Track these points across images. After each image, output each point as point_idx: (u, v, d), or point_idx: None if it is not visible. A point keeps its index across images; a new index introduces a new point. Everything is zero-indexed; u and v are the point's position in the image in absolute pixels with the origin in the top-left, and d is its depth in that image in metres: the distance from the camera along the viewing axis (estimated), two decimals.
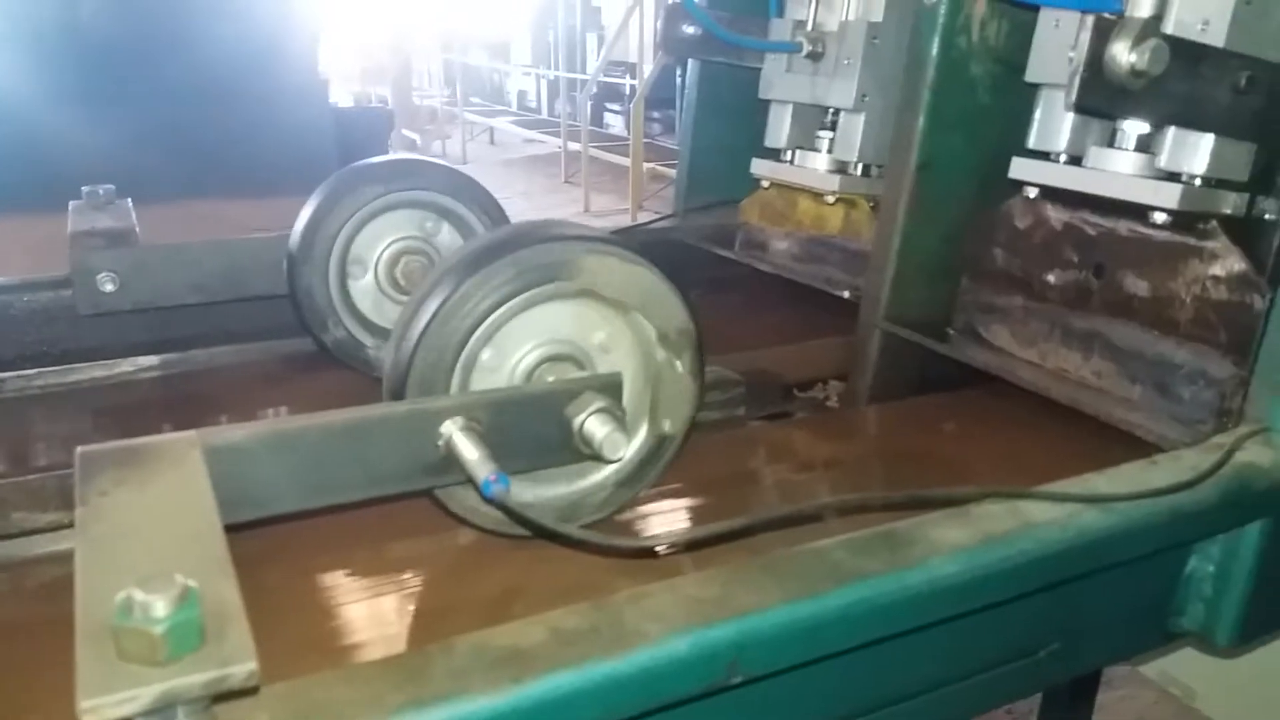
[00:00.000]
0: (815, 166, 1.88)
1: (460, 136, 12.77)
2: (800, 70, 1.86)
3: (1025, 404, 1.49)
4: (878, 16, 1.74)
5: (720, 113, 2.23)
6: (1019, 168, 1.48)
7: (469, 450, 0.96)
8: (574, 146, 10.90)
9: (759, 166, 1.98)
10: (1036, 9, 1.47)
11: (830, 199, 1.84)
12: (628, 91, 11.69)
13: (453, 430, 0.98)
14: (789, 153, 1.94)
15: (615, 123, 13.30)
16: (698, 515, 1.26)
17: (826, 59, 1.81)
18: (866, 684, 0.97)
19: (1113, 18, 1.22)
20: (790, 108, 1.91)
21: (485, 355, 1.06)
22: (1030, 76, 1.46)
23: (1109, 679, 2.59)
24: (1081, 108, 1.24)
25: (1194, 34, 1.21)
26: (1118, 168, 1.35)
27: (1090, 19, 1.12)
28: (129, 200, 1.74)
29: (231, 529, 0.84)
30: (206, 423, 1.54)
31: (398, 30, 13.50)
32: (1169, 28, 1.20)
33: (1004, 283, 1.56)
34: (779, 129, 1.93)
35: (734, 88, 2.15)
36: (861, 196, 1.83)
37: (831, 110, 1.86)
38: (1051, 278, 1.48)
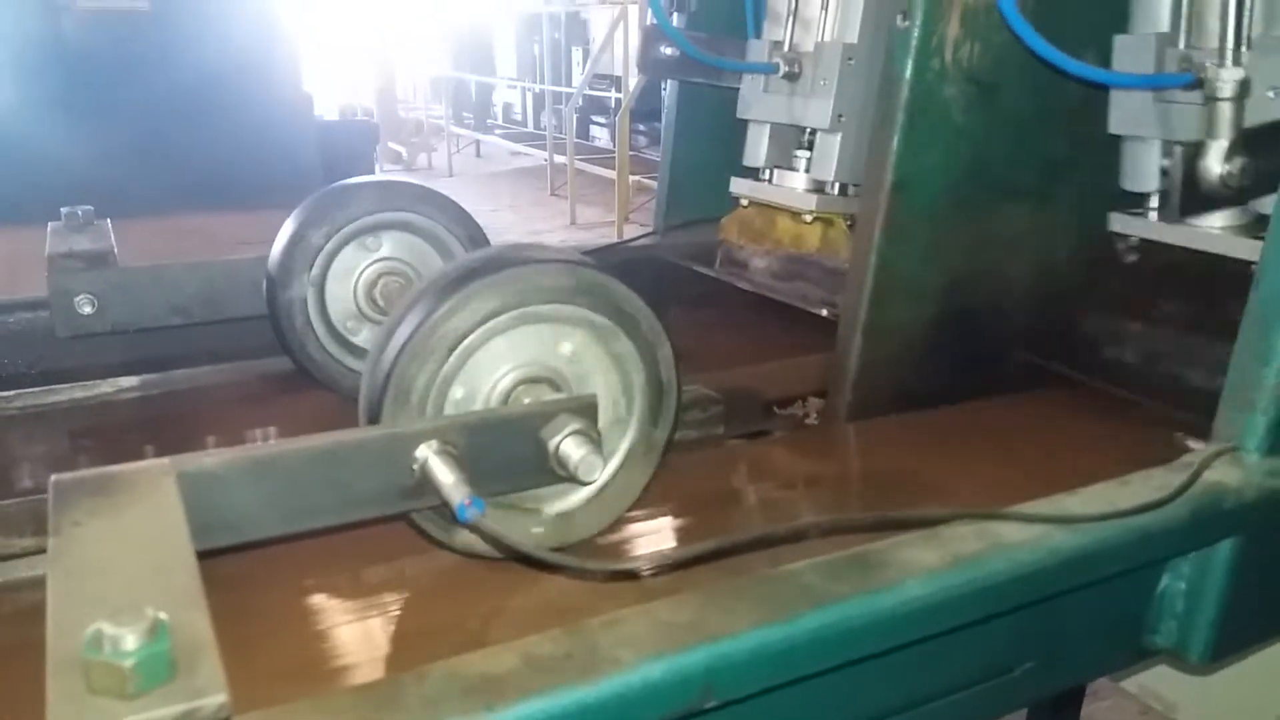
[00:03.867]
0: (793, 186, 1.89)
1: (446, 149, 12.78)
2: (777, 91, 1.88)
3: (1002, 423, 1.51)
4: (853, 38, 1.76)
5: (700, 131, 2.24)
6: (1117, 222, 1.54)
7: (444, 474, 0.96)
8: (560, 159, 10.93)
9: (738, 185, 2.00)
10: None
11: (808, 217, 1.85)
12: (613, 104, 11.72)
13: (428, 454, 0.98)
14: (767, 172, 1.95)
15: (601, 135, 13.32)
16: (678, 534, 1.27)
17: (803, 80, 1.83)
18: (840, 705, 0.97)
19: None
20: (768, 127, 1.93)
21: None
22: (1114, 129, 1.51)
23: (1094, 689, 2.61)
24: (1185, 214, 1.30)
25: (1266, 103, 1.25)
26: (1212, 222, 1.38)
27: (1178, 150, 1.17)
28: (108, 220, 1.74)
29: (208, 555, 0.85)
30: (187, 444, 1.54)
31: (383, 44, 13.53)
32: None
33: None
34: (757, 148, 1.95)
35: (713, 106, 2.17)
36: (839, 215, 1.85)
37: (808, 130, 1.87)
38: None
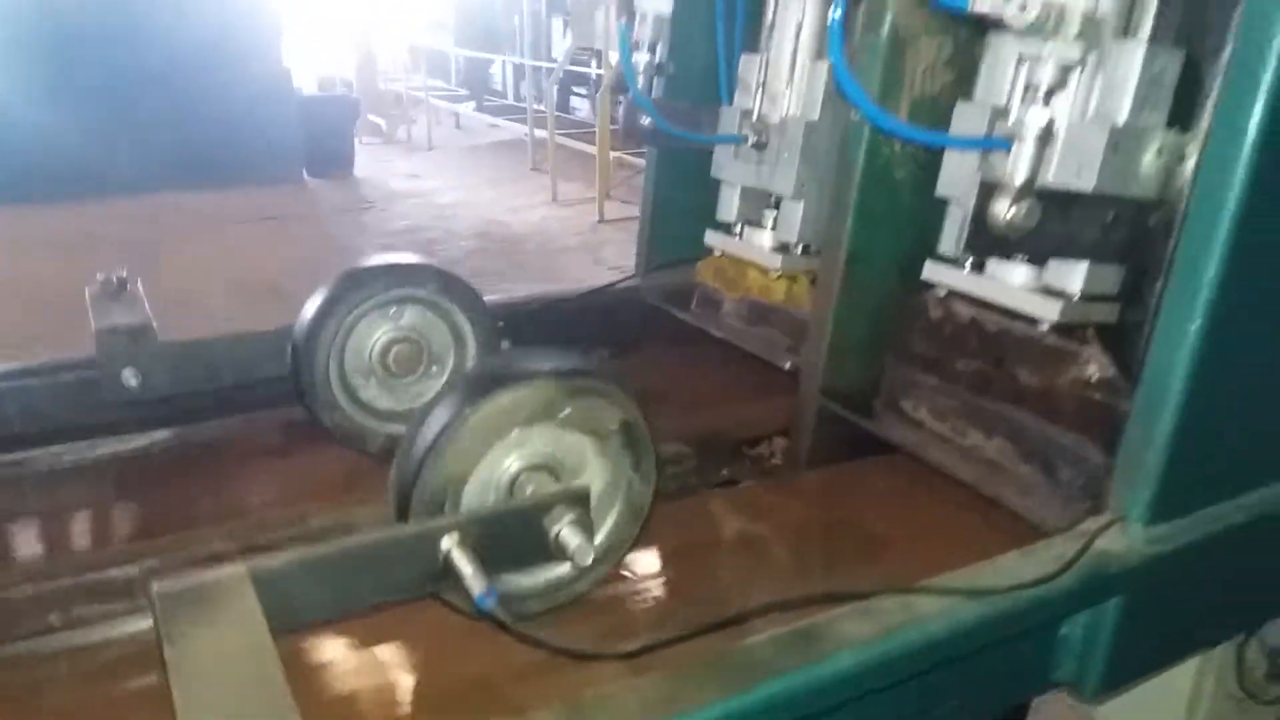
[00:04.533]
0: (761, 244, 2.09)
1: (426, 121, 12.80)
2: (747, 157, 2.07)
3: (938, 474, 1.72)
4: (815, 115, 1.95)
5: (677, 179, 2.42)
6: (931, 270, 1.70)
7: (465, 565, 1.17)
8: (540, 134, 11.00)
9: (712, 238, 2.19)
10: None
11: (774, 274, 2.05)
12: (594, 76, 11.77)
13: (451, 546, 1.19)
14: (739, 226, 2.15)
15: (581, 106, 13.37)
16: (654, 589, 1.48)
17: (770, 149, 2.02)
18: None
19: (1001, 160, 1.45)
20: (739, 187, 2.12)
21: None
22: (940, 192, 1.68)
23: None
24: (969, 251, 1.46)
25: (1069, 177, 1.43)
26: (1011, 279, 1.58)
27: (977, 180, 1.33)
28: (139, 284, 1.92)
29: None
30: (219, 492, 1.74)
31: (362, 15, 13.47)
32: (1049, 175, 1.42)
33: (920, 364, 1.78)
34: (729, 206, 2.15)
35: (690, 156, 2.34)
36: (801, 272, 2.05)
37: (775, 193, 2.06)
38: (959, 364, 1.71)
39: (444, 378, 1.82)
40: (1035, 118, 1.33)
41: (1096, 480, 1.48)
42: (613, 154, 9.71)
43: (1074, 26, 1.23)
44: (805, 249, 2.05)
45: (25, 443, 1.81)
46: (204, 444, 1.88)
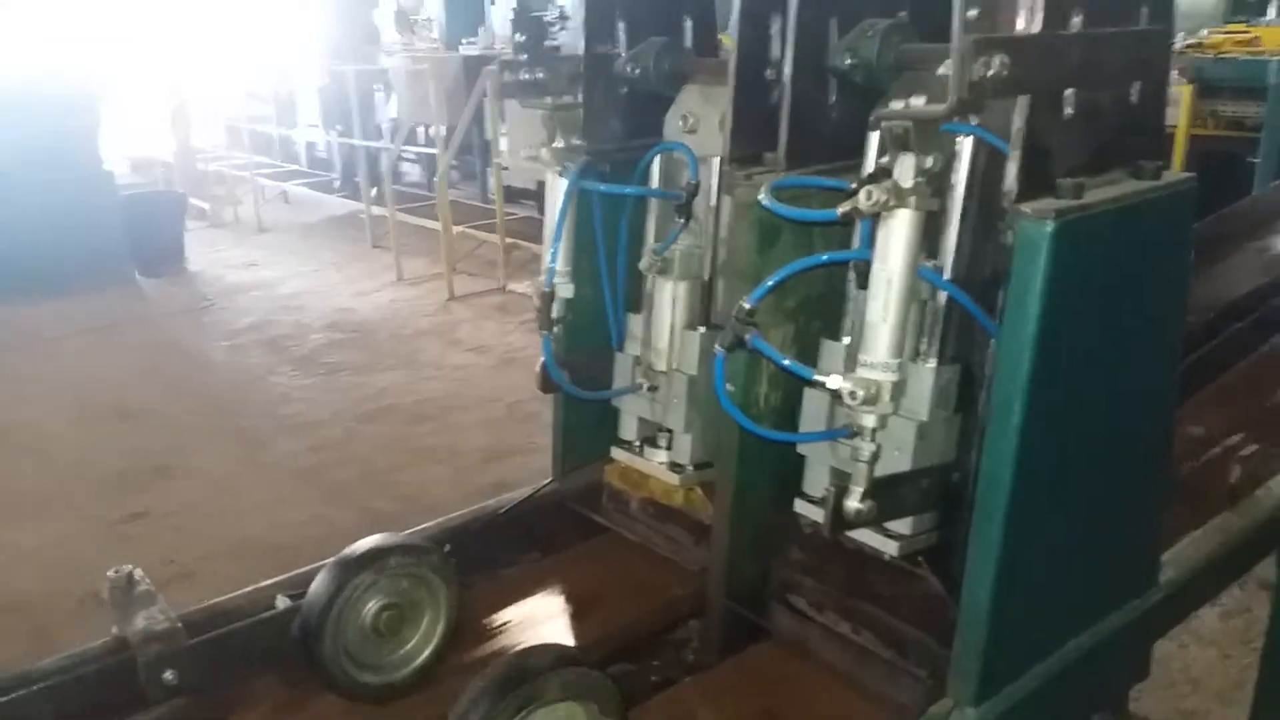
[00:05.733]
0: (660, 461, 2.59)
1: (253, 201, 12.70)
2: (642, 394, 2.56)
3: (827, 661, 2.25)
4: (694, 371, 2.45)
5: None
6: (800, 506, 2.24)
7: None
8: (378, 210, 11.15)
9: (617, 453, 2.68)
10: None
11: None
12: (422, 140, 11.94)
13: None
14: (639, 444, 2.65)
15: (412, 171, 13.51)
16: None
17: (661, 391, 2.52)
18: None
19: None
20: (637, 417, 2.62)
21: None
22: (801, 449, 2.22)
23: None
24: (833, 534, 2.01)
25: (892, 458, 1.99)
26: None
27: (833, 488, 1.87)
28: (144, 576, 2.22)
29: None
30: None
31: (176, 93, 13.24)
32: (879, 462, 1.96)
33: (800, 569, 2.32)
34: (630, 430, 2.65)
35: None
36: (695, 484, 2.55)
37: None
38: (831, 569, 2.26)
39: (421, 625, 2.24)
40: (867, 451, 1.86)
41: (939, 670, 2.04)
42: (455, 229, 9.95)
43: (888, 394, 1.78)
44: (699, 465, 2.54)
45: None
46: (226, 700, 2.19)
